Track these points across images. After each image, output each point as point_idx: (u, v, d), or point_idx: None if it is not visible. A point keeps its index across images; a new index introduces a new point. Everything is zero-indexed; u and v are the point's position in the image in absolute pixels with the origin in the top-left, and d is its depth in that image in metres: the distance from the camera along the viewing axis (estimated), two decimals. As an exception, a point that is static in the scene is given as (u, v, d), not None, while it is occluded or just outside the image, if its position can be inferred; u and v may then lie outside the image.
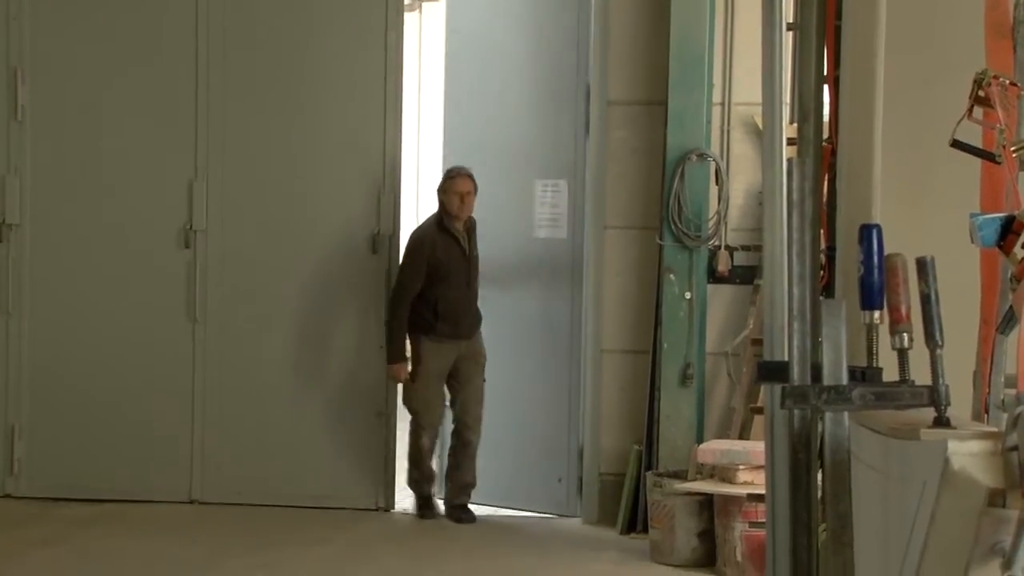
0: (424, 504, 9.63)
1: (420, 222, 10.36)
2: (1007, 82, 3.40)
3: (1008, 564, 2.54)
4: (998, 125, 3.32)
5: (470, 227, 9.60)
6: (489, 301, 10.46)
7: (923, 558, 2.90)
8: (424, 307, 9.36)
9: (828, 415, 3.75)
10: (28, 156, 10.39)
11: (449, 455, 9.69)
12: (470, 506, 9.61)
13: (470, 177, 9.35)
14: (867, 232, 3.63)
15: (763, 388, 4.61)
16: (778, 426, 4.26)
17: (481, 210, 10.40)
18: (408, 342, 9.71)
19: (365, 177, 10.26)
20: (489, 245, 10.38)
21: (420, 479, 9.64)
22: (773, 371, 4.19)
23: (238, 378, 10.46)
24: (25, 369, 10.49)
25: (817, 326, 3.97)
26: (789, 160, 4.47)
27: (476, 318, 9.62)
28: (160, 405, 10.38)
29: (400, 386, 9.77)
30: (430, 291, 9.34)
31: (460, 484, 9.60)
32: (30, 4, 10.39)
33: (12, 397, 10.42)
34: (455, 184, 9.32)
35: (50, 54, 10.43)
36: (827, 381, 3.71)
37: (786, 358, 4.04)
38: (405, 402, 9.62)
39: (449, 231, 9.42)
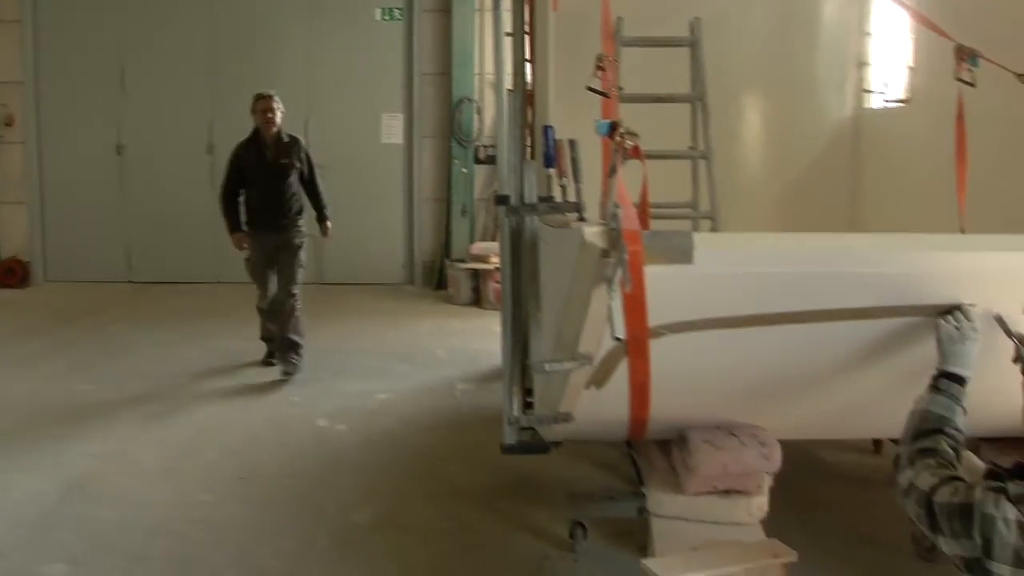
0: (267, 356, 7.81)
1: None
2: (611, 59, 3.89)
3: (610, 283, 2.63)
4: (608, 80, 3.78)
5: (284, 143, 7.50)
6: (359, 176, 11.07)
7: (572, 286, 3.06)
8: (245, 203, 7.53)
9: (528, 219, 4.05)
10: (129, 112, 11.32)
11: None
12: (294, 360, 7.46)
13: (271, 97, 7.44)
14: (546, 129, 3.94)
15: (499, 210, 4.39)
16: (504, 228, 4.31)
17: (350, 130, 11.12)
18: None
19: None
20: (359, 148, 11.11)
21: (264, 336, 7.83)
22: (502, 199, 4.25)
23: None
24: (131, 218, 11.38)
25: (524, 176, 4.10)
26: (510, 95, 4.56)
27: (283, 216, 7.47)
28: (199, 230, 10.84)
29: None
30: (245, 191, 7.50)
31: (282, 340, 7.53)
32: (123, 19, 11.16)
33: (129, 231, 11.37)
34: (258, 104, 7.45)
35: (143, 53, 11.25)
36: (527, 202, 4.06)
37: (508, 192, 4.22)
38: (248, 273, 7.71)
39: (255, 142, 7.48)
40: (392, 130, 11.25)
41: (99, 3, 11.19)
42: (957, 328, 2.85)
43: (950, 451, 2.56)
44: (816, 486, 5.07)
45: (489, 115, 11.12)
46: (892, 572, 4.24)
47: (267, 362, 7.76)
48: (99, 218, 11.41)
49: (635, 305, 2.73)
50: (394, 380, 7.38)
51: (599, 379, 3.15)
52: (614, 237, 2.58)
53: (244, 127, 7.62)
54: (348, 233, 10.46)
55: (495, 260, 10.02)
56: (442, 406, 6.81)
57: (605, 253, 2.67)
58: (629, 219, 2.58)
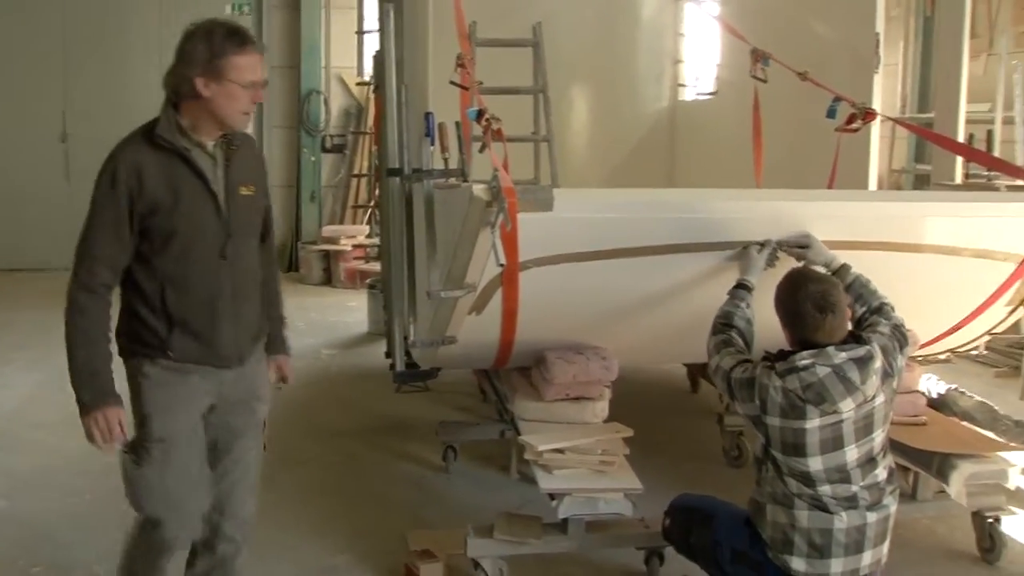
0: None
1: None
2: (468, 57, 4.11)
3: (492, 226, 3.18)
4: (467, 75, 4.02)
5: (235, 150, 3.04)
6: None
7: (462, 231, 3.55)
8: (143, 301, 3.00)
9: (425, 183, 4.36)
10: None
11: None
12: None
13: (256, 46, 2.96)
14: (428, 116, 4.36)
15: (389, 180, 4.63)
16: (394, 192, 4.72)
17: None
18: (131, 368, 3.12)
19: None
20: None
21: None
22: (393, 171, 4.68)
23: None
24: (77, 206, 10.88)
25: (412, 152, 4.51)
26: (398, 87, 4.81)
27: (252, 323, 3.19)
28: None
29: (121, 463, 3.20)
30: (152, 269, 2.96)
31: None
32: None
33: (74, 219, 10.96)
34: (244, 63, 2.88)
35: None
36: (425, 169, 4.40)
37: (399, 166, 4.69)
38: (129, 495, 3.18)
39: (179, 152, 2.91)
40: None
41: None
42: (758, 253, 3.83)
43: (740, 341, 3.56)
44: (643, 417, 5.88)
45: (336, 106, 11.69)
46: (710, 477, 5.20)
47: None
48: (43, 206, 11.14)
49: (509, 243, 3.40)
50: (264, 347, 7.99)
51: (479, 305, 3.92)
52: (495, 192, 3.29)
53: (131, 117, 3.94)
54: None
55: (345, 242, 10.74)
56: (312, 367, 7.55)
57: (488, 204, 3.35)
58: (505, 179, 3.30)
